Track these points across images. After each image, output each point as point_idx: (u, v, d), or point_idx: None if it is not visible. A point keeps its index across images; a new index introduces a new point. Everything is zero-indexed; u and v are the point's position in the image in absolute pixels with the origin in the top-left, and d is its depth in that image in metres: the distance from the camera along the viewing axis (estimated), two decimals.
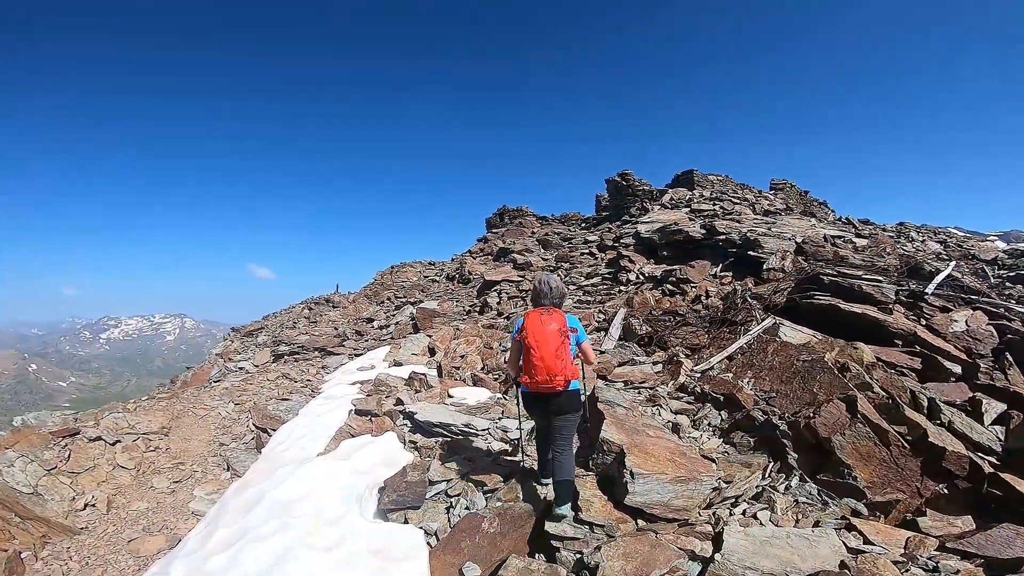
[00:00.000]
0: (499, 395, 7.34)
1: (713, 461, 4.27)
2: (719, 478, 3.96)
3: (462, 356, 9.85)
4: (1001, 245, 18.76)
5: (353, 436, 6.37)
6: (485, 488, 4.40)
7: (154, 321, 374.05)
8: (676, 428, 4.84)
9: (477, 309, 14.62)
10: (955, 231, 21.57)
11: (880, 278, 7.81)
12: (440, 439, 5.74)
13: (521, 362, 3.61)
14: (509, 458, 4.96)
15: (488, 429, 5.59)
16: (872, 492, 3.78)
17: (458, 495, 4.38)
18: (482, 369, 9.22)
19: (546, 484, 4.04)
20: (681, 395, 5.80)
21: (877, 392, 4.49)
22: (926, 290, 7.75)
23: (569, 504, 3.58)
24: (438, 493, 4.54)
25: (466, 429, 5.64)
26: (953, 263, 8.88)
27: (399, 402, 7.03)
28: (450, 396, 7.40)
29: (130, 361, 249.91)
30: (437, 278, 22.86)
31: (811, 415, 4.14)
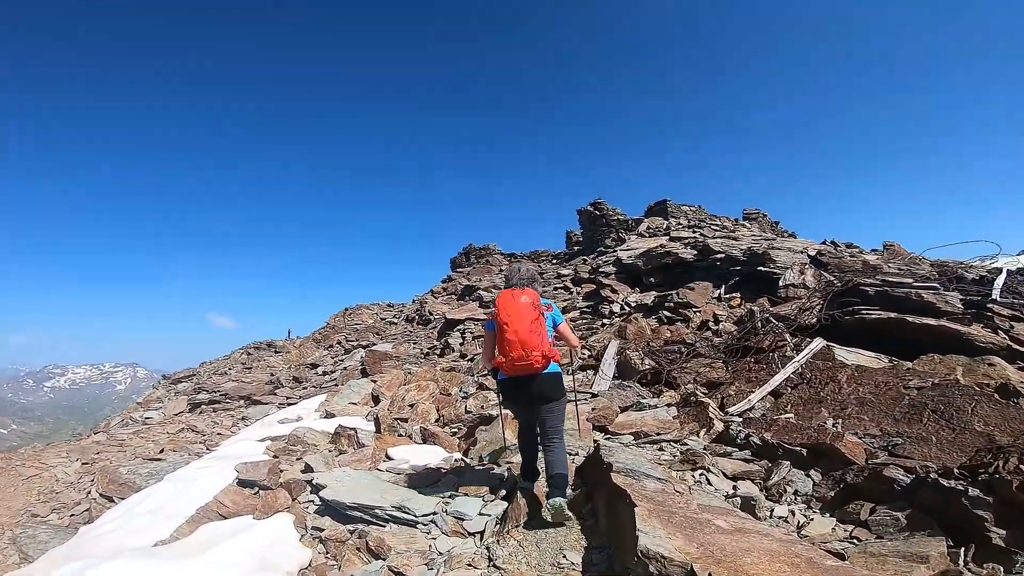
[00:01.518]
0: (457, 456, 5.24)
1: (843, 557, 2.33)
2: None
3: (411, 405, 7.69)
4: None
5: (224, 518, 4.15)
6: None
7: (104, 370, 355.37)
8: (748, 504, 2.87)
9: (437, 352, 12.74)
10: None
11: (936, 286, 6.25)
12: (360, 526, 3.63)
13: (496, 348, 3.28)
14: (467, 565, 2.91)
15: (434, 514, 3.46)
16: None
17: None
18: (437, 421, 7.07)
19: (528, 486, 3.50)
20: (728, 449, 3.84)
21: None
22: (993, 295, 6.23)
23: (566, 492, 3.14)
24: None
25: (398, 514, 3.50)
26: (1006, 264, 7.49)
27: (308, 468, 4.84)
28: (388, 458, 5.24)
29: (77, 410, 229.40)
30: (395, 320, 20.68)
31: (1019, 468, 2.28)
